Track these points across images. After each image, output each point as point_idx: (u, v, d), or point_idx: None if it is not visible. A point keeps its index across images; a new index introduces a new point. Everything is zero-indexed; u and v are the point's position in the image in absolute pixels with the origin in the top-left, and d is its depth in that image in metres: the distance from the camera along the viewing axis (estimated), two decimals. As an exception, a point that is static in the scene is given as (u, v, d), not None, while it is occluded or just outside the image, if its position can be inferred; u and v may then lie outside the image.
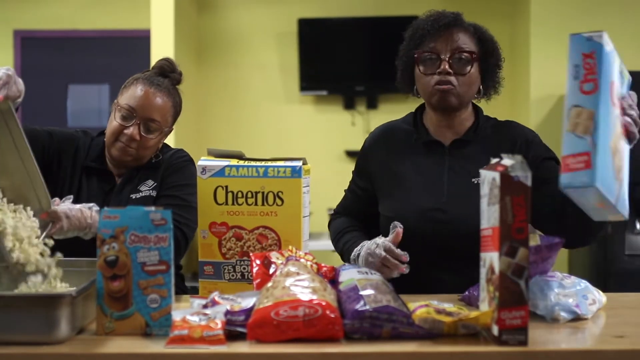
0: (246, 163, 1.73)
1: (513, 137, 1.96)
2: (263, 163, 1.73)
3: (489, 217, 1.35)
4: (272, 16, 5.44)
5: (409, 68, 1.97)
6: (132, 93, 2.07)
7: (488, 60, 1.94)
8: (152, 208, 1.41)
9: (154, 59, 4.67)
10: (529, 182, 1.31)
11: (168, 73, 2.14)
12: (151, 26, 4.71)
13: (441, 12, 1.94)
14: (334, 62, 5.36)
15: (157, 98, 2.07)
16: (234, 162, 1.73)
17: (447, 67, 1.87)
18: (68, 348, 1.31)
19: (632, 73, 4.77)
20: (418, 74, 1.94)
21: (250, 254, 1.61)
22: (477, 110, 2.01)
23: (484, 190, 1.38)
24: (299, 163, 1.71)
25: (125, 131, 2.05)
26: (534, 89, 4.66)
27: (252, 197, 1.71)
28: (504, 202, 1.30)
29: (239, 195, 1.71)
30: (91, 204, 1.90)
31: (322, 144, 5.38)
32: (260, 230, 1.71)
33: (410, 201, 1.91)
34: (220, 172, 1.72)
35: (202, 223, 1.74)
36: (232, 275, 1.73)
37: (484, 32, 1.95)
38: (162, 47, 4.64)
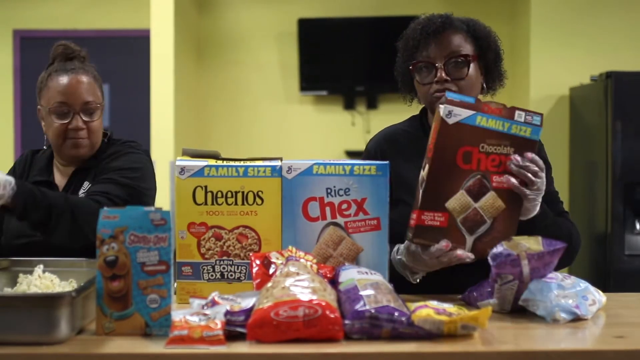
0: (225, 163, 1.73)
1: None
2: (242, 163, 1.73)
3: None
4: (272, 16, 5.44)
5: (407, 78, 1.95)
6: (55, 89, 2.04)
7: (487, 56, 1.89)
8: (152, 208, 1.41)
9: (154, 59, 4.68)
10: None
11: (71, 55, 2.12)
12: (151, 26, 4.70)
13: (430, 17, 1.90)
14: (334, 62, 5.37)
15: (79, 81, 2.04)
16: (212, 162, 1.73)
17: (443, 74, 1.83)
18: (68, 348, 1.31)
19: (632, 73, 4.74)
20: (417, 83, 1.91)
21: (250, 254, 1.61)
22: None
23: None
24: (279, 162, 1.72)
25: (70, 127, 2.02)
26: (534, 89, 4.66)
27: (232, 196, 1.71)
28: None
29: (219, 195, 1.71)
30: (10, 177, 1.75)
31: (322, 144, 5.38)
32: (240, 229, 1.71)
33: None
34: (200, 172, 1.71)
35: (180, 223, 1.72)
36: (212, 275, 1.72)
37: (478, 28, 1.89)
38: (161, 47, 4.63)
